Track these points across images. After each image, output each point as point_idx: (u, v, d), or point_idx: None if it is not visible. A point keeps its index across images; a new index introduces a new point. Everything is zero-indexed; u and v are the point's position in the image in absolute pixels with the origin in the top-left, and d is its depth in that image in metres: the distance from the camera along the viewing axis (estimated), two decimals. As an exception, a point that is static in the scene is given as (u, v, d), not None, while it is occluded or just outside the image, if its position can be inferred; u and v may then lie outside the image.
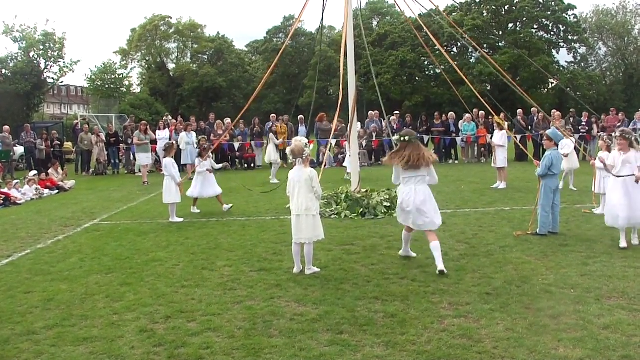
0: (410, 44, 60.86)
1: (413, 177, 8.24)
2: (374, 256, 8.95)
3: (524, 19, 59.30)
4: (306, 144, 8.39)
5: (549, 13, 58.74)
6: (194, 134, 22.49)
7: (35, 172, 19.81)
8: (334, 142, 23.45)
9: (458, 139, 25.67)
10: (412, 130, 8.82)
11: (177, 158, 18.61)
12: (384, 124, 24.97)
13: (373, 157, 25.54)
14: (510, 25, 61.14)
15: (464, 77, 14.22)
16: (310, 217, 8.05)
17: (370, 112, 27.08)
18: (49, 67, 41.87)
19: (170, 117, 29.45)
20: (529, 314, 6.20)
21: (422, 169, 8.19)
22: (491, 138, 18.78)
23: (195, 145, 19.93)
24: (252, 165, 25.50)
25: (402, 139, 8.31)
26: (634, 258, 8.34)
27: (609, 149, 11.37)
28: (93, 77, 55.18)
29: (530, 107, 24.97)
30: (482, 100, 13.34)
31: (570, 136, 17.32)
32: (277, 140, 21.32)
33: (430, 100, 59.45)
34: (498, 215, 12.15)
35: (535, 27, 60.03)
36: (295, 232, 8.11)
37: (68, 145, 30.11)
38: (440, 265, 7.84)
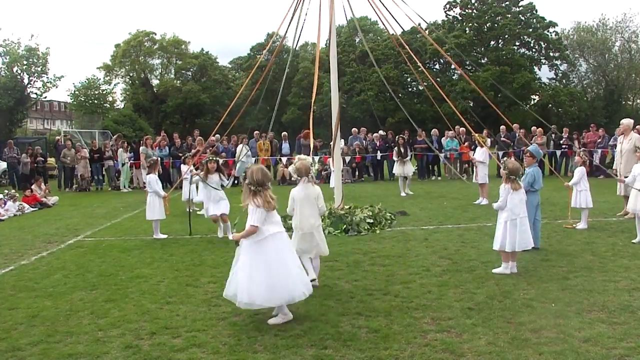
0: (393, 61, 61.06)
1: None
2: (357, 272, 9.00)
3: (506, 36, 59.70)
4: (311, 163, 8.40)
5: (531, 30, 59.17)
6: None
7: (13, 191, 19.63)
8: (316, 158, 23.52)
9: (441, 156, 25.79)
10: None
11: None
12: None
13: (356, 174, 25.68)
14: (493, 42, 61.55)
15: (445, 96, 14.33)
16: (320, 232, 8.16)
17: (353, 128, 27.22)
18: (32, 83, 41.75)
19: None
20: (510, 328, 6.28)
21: None
22: (473, 155, 18.97)
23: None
24: (236, 182, 25.45)
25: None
26: (613, 272, 8.46)
27: (585, 164, 11.68)
28: (76, 92, 54.95)
29: (513, 122, 25.20)
30: (462, 118, 13.43)
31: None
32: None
33: (413, 117, 59.52)
34: (480, 231, 12.23)
35: (517, 44, 60.40)
36: (307, 248, 8.05)
37: (51, 161, 29.99)
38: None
